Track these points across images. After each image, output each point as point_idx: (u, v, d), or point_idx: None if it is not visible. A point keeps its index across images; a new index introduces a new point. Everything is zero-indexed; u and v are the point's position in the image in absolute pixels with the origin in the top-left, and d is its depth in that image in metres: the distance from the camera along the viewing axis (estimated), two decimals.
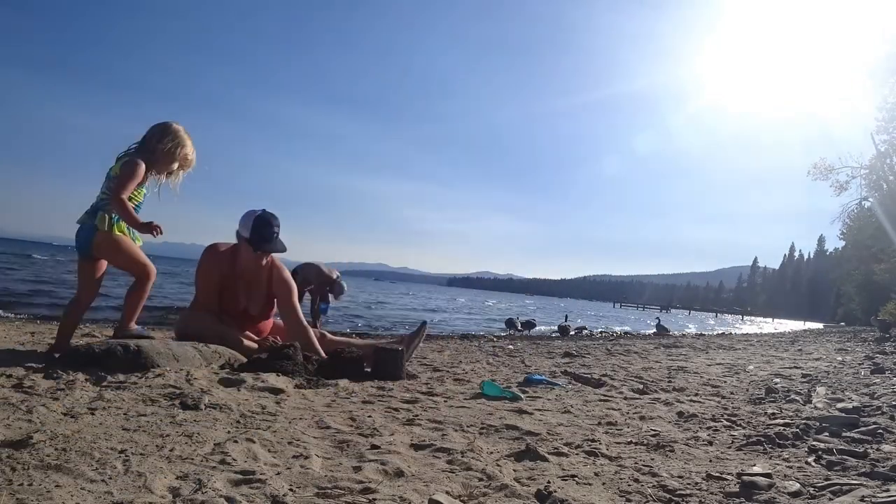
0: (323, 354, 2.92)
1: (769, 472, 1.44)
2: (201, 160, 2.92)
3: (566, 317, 14.15)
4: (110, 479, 1.15)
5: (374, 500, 1.15)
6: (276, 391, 2.17)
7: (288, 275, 3.18)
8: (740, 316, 69.91)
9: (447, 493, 1.22)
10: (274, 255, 3.09)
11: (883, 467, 1.50)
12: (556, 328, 11.25)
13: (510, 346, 5.92)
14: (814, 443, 1.77)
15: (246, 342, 2.93)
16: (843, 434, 1.92)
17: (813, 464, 1.56)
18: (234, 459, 1.32)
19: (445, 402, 2.31)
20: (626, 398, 2.67)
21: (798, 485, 1.37)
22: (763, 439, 1.80)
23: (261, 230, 2.93)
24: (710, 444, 1.79)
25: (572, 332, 10.60)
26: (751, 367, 4.53)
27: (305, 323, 3.11)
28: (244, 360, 2.69)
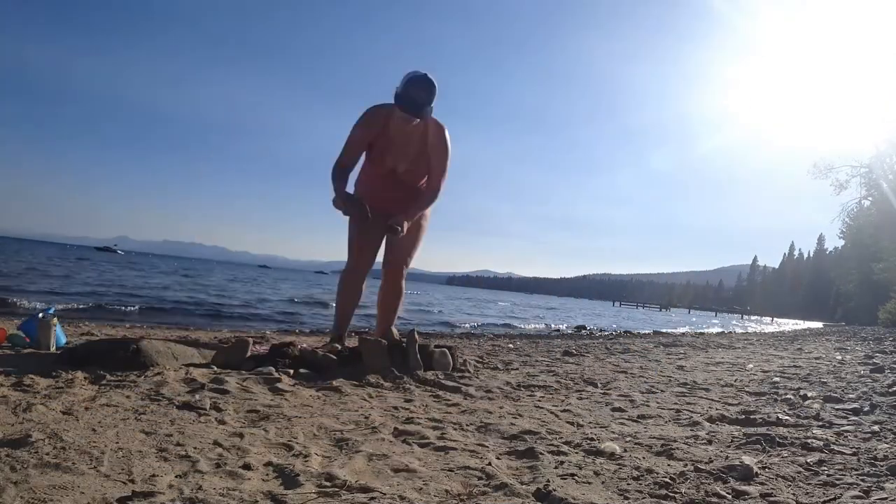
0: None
1: (767, 470, 1.44)
2: None
3: None
4: (109, 477, 1.15)
5: (374, 498, 1.15)
6: (275, 390, 2.17)
7: (447, 137, 3.10)
8: (740, 315, 69.95)
9: (446, 491, 1.22)
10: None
11: (881, 466, 1.50)
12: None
13: (510, 345, 5.92)
14: (812, 441, 1.77)
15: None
16: (842, 433, 1.92)
17: (811, 462, 1.56)
18: (233, 458, 1.32)
19: (444, 400, 2.31)
20: (625, 396, 2.67)
21: (795, 483, 1.37)
22: (762, 438, 1.80)
23: (411, 90, 2.87)
24: (710, 442, 1.79)
25: (570, 331, 10.60)
26: (750, 365, 4.53)
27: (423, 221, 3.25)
28: (244, 358, 2.69)
